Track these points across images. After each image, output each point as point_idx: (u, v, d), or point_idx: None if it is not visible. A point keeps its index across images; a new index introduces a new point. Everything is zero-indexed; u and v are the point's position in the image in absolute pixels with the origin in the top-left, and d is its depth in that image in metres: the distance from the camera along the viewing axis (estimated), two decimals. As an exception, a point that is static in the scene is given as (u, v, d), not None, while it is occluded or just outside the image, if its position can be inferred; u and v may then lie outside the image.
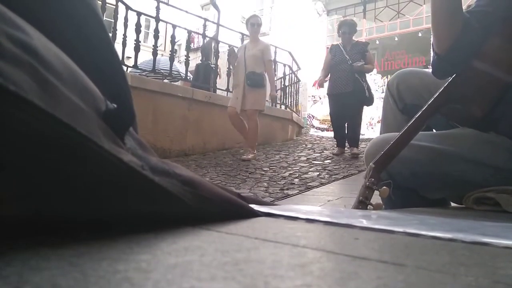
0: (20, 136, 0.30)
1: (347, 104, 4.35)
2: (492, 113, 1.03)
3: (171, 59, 5.00)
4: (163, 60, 7.14)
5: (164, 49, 11.00)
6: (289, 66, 6.88)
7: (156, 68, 5.08)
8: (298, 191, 2.72)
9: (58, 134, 0.31)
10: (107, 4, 4.62)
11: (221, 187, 0.56)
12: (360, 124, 4.66)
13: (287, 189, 2.78)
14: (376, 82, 11.50)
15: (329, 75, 4.63)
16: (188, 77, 6.07)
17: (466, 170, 1.03)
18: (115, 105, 0.43)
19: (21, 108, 0.29)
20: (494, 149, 1.02)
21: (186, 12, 5.44)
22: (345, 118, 4.51)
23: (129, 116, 0.45)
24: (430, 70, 1.14)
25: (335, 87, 4.49)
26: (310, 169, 3.57)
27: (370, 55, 4.65)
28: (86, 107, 0.37)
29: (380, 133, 1.36)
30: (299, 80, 7.66)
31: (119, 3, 4.42)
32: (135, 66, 4.73)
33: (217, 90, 5.77)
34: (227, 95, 6.02)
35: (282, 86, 6.89)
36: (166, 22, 4.97)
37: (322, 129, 9.93)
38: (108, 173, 0.37)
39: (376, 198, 1.01)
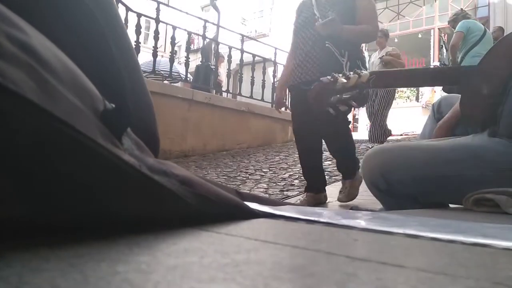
0: (19, 135, 0.30)
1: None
2: (495, 112, 1.08)
3: (171, 60, 5.00)
4: (163, 61, 7.14)
5: (164, 50, 11.01)
6: (289, 68, 6.87)
7: (156, 69, 5.07)
8: (298, 192, 2.71)
9: (57, 132, 0.31)
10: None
11: (219, 185, 0.56)
12: (349, 140, 2.33)
13: (287, 190, 2.78)
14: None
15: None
16: (188, 78, 6.07)
17: (463, 168, 1.05)
18: (113, 105, 0.43)
19: (21, 107, 0.29)
20: (487, 143, 1.06)
21: (186, 13, 5.44)
22: (317, 133, 2.30)
23: (126, 117, 0.45)
24: None
25: (293, 72, 2.25)
26: (310, 170, 3.56)
27: (369, 5, 2.20)
28: (84, 106, 0.37)
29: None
30: (299, 82, 7.67)
31: (119, 4, 4.42)
32: (135, 67, 4.72)
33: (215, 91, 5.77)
34: (227, 96, 6.03)
35: (282, 87, 6.88)
36: (166, 24, 4.97)
37: (322, 130, 9.92)
38: (107, 172, 0.36)
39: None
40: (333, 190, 2.80)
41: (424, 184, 1.09)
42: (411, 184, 1.10)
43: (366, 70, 1.92)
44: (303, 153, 2.40)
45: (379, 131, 4.86)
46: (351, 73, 1.15)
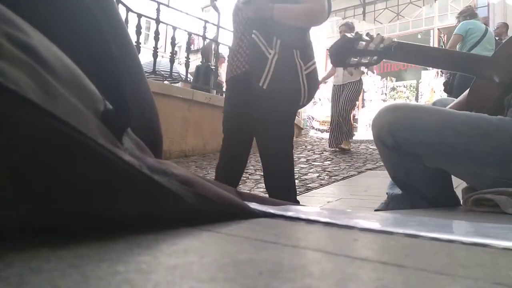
0: (19, 135, 0.30)
1: (243, 107, 1.76)
2: (503, 101, 1.13)
3: (172, 60, 5.00)
4: (163, 61, 7.14)
5: (165, 51, 11.01)
6: (289, 68, 6.88)
7: (156, 69, 5.08)
8: (297, 192, 2.72)
9: (58, 132, 0.31)
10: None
11: (219, 185, 0.56)
12: (287, 160, 1.81)
13: (287, 190, 2.78)
14: (376, 84, 11.49)
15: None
16: (189, 79, 6.07)
17: (471, 143, 1.05)
18: (113, 106, 0.43)
19: (21, 107, 0.29)
20: (504, 126, 1.06)
21: (186, 14, 5.44)
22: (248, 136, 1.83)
23: (127, 117, 0.45)
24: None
25: (228, 64, 1.90)
26: (310, 170, 3.57)
27: None
28: (84, 107, 0.37)
29: None
30: (299, 82, 7.66)
31: (120, 5, 4.42)
32: (135, 67, 4.72)
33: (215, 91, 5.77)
34: (227, 96, 6.03)
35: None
36: (167, 24, 4.97)
37: (322, 131, 9.94)
38: (108, 172, 0.37)
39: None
40: (333, 191, 2.80)
41: (430, 148, 1.10)
42: (417, 145, 1.11)
43: (311, 61, 1.65)
44: (224, 166, 1.94)
45: (345, 131, 4.85)
46: (375, 34, 1.19)
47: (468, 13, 4.31)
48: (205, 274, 0.29)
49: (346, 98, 4.85)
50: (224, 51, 5.70)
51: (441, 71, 8.64)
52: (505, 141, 1.03)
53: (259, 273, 0.29)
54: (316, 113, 11.44)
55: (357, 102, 5.06)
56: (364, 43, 1.18)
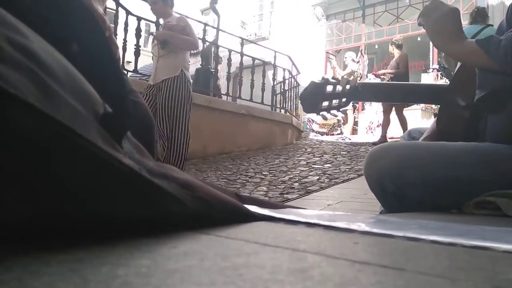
0: (20, 139, 0.30)
1: None
2: (476, 127, 1.12)
3: (171, 63, 5.00)
4: (163, 64, 7.14)
5: (164, 54, 11.05)
6: (288, 71, 6.90)
7: (156, 72, 5.08)
8: (297, 195, 2.72)
9: (58, 136, 0.32)
10: (107, 9, 4.63)
11: (219, 188, 0.56)
12: None
13: (287, 193, 2.79)
14: (376, 86, 11.45)
15: None
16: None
17: (476, 173, 1.03)
18: (113, 109, 0.43)
19: (21, 111, 0.29)
20: (501, 149, 1.04)
21: (186, 17, 5.45)
22: None
23: (126, 120, 0.45)
24: None
25: None
26: (310, 173, 3.57)
27: None
28: (84, 110, 0.37)
29: None
30: (298, 85, 7.68)
31: (120, 8, 4.44)
32: (135, 70, 4.74)
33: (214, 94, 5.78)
34: (227, 99, 6.03)
35: (282, 90, 6.91)
36: (166, 27, 4.97)
37: (322, 133, 9.94)
38: (108, 175, 0.37)
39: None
40: (333, 194, 2.80)
41: (434, 187, 1.05)
42: (421, 186, 1.05)
43: None
44: None
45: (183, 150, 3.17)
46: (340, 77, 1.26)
47: (469, 20, 4.25)
48: (205, 277, 0.29)
49: (167, 106, 3.03)
50: (224, 54, 5.71)
51: (440, 74, 8.64)
52: (509, 164, 1.00)
53: (259, 277, 0.29)
54: (316, 115, 11.43)
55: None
56: (331, 86, 1.20)
